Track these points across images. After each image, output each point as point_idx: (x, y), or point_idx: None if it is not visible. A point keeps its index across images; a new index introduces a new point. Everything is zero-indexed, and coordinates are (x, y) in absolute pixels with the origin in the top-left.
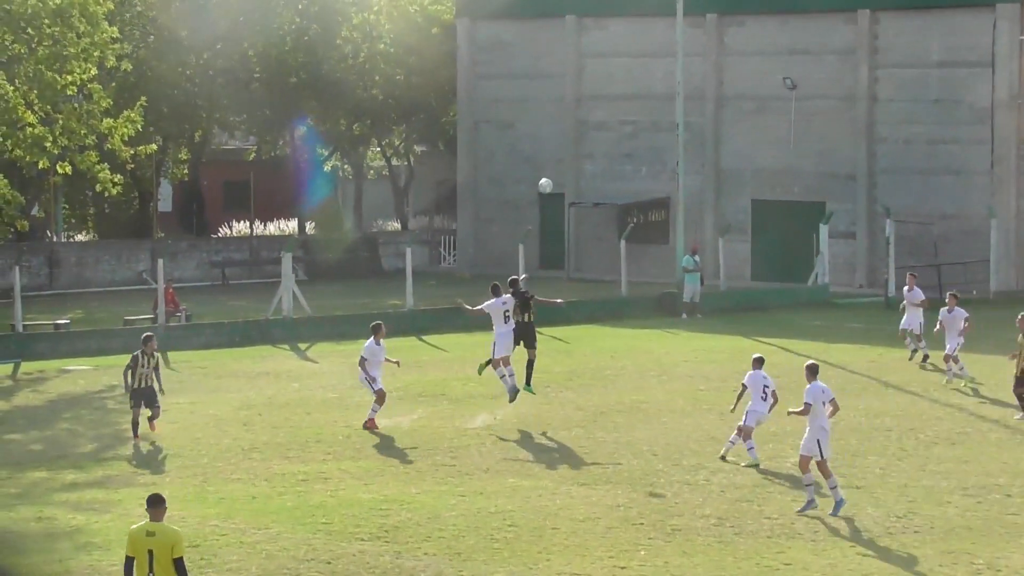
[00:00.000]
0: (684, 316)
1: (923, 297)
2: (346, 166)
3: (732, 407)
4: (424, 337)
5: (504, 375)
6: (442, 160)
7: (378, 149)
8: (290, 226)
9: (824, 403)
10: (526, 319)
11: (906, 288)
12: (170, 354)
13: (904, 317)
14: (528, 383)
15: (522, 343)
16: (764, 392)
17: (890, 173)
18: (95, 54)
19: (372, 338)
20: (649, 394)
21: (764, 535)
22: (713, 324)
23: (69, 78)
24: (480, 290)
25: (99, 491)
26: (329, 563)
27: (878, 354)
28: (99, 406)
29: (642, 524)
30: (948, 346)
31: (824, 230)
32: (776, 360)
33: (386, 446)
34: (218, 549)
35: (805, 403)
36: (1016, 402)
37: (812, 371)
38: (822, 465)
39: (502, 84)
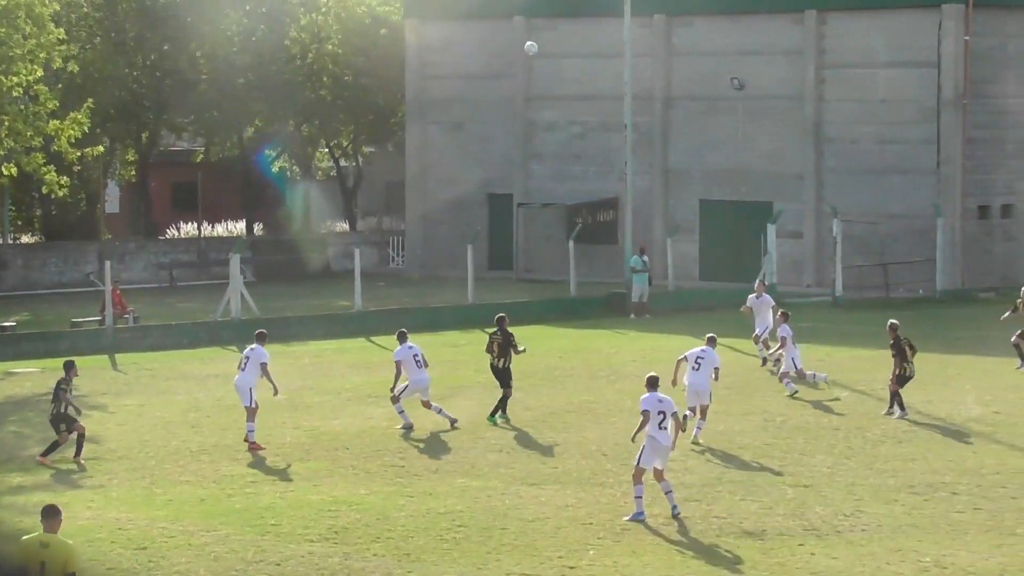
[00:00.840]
0: (632, 316)
1: (773, 303)
2: (294, 167)
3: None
4: (373, 338)
5: (403, 410)
6: (391, 161)
7: (326, 150)
8: (238, 227)
9: (664, 414)
10: (500, 364)
11: (754, 296)
12: (118, 356)
13: (757, 321)
14: (494, 415)
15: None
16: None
17: (837, 173)
18: (41, 55)
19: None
20: (598, 394)
21: (713, 534)
22: (661, 324)
23: (15, 79)
24: (428, 290)
25: (46, 494)
26: (278, 565)
27: (826, 353)
28: (46, 409)
29: (591, 524)
30: (757, 329)
31: (772, 230)
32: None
33: (335, 448)
34: (166, 552)
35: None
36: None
37: (651, 383)
38: (658, 473)
39: (451, 85)
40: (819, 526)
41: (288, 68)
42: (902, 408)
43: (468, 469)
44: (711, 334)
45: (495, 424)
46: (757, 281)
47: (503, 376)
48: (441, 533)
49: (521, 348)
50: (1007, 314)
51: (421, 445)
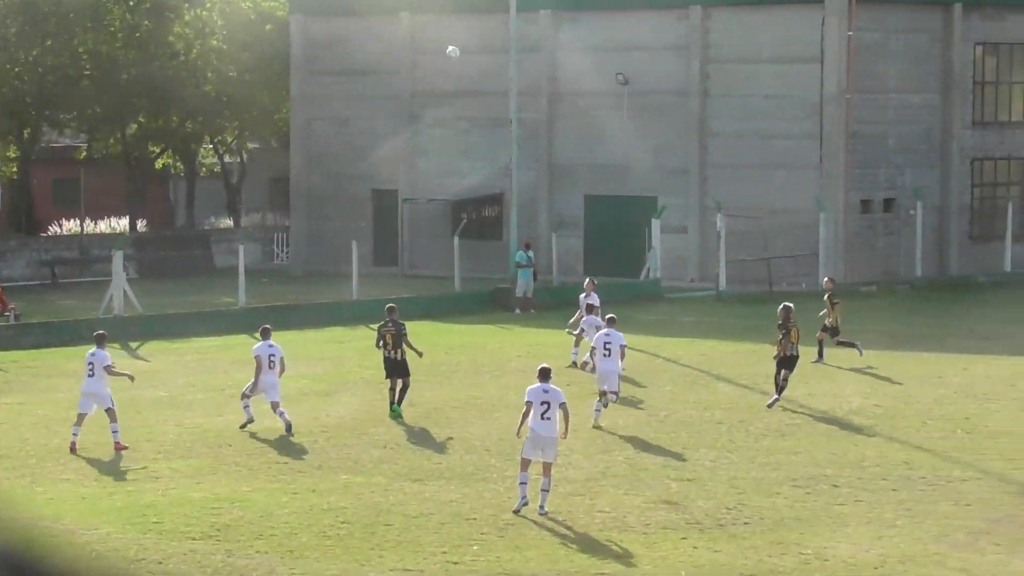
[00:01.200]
0: (517, 311)
1: (598, 304)
2: (178, 163)
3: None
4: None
5: (248, 404)
6: (275, 157)
7: (211, 146)
8: (121, 224)
9: (549, 404)
10: (397, 356)
11: (583, 295)
12: None
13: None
14: (398, 404)
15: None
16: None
17: (722, 168)
18: None
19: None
20: (483, 390)
21: (596, 528)
22: (546, 319)
23: None
24: (313, 287)
25: None
26: (160, 563)
27: (710, 347)
28: None
29: (475, 519)
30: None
31: (656, 225)
32: None
33: (218, 445)
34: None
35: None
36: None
37: (542, 374)
38: (545, 467)
39: (336, 81)
40: (702, 519)
41: (172, 64)
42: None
43: (352, 465)
44: (611, 315)
45: (399, 416)
46: (588, 280)
47: (399, 368)
48: (324, 530)
49: (419, 351)
50: (822, 312)
51: (304, 442)
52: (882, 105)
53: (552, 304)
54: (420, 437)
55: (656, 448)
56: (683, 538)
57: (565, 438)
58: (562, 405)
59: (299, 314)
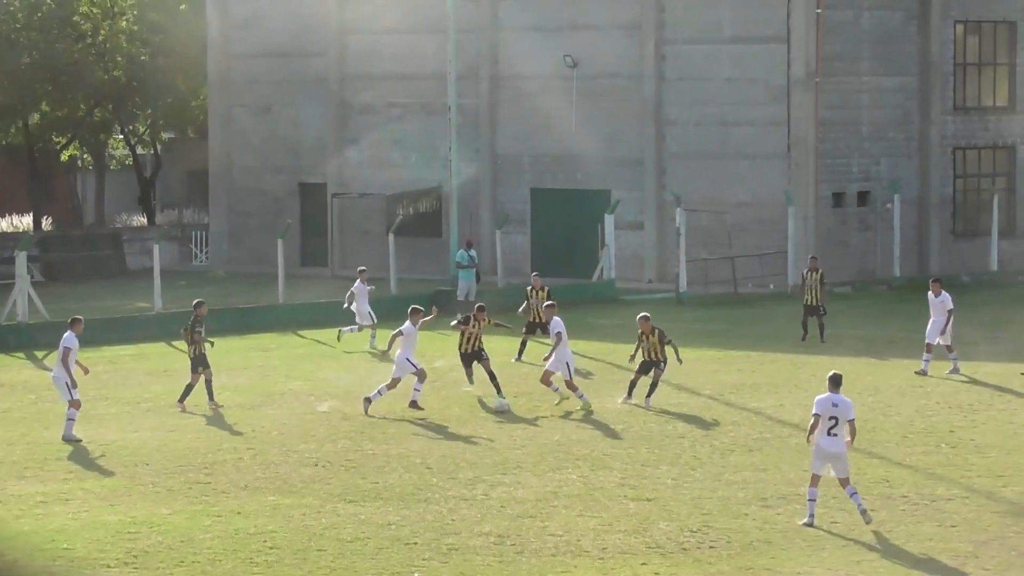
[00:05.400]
0: (459, 316)
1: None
2: (86, 155)
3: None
4: (175, 343)
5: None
6: (193, 148)
7: (121, 136)
8: (25, 222)
9: (833, 419)
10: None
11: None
12: None
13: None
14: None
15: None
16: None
17: (680, 158)
18: None
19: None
20: (422, 401)
21: (548, 553)
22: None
23: None
24: (235, 289)
25: None
26: None
27: (669, 354)
28: None
29: (416, 543)
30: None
31: (610, 220)
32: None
33: (133, 463)
34: None
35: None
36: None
37: (833, 381)
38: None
39: (258, 64)
40: (663, 543)
41: (78, 47)
42: (629, 395)
43: (280, 485)
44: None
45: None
46: (533, 276)
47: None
48: (251, 556)
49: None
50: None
51: (228, 460)
52: (854, 89)
53: (496, 308)
54: (354, 454)
55: (613, 465)
56: (643, 563)
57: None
58: (850, 421)
59: (220, 320)
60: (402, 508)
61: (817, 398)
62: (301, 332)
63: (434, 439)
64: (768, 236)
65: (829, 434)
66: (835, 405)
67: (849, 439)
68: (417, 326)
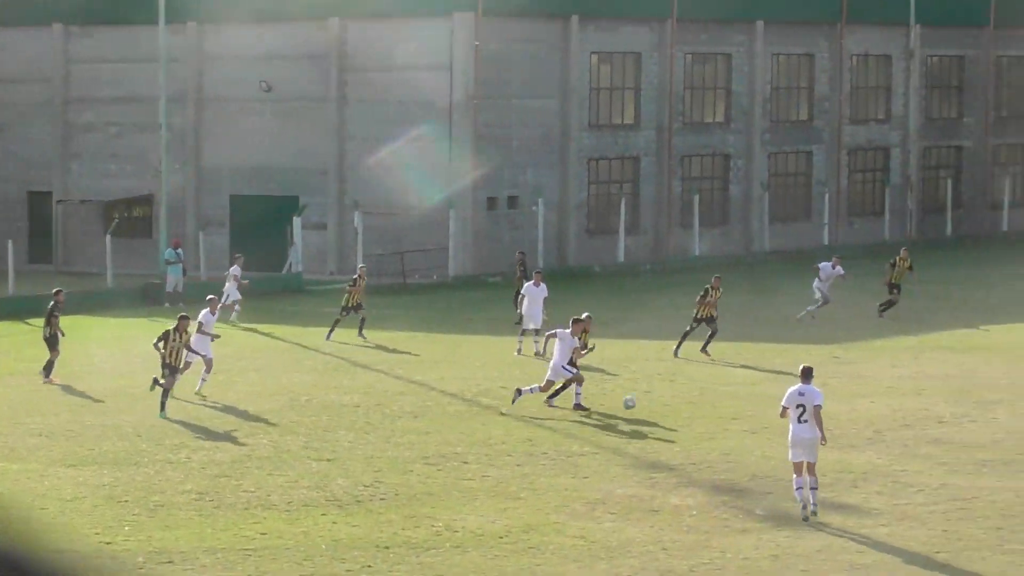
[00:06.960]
0: (167, 305)
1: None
2: None
3: None
4: None
5: None
6: None
7: None
8: None
9: (801, 407)
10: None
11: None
12: None
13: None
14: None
15: None
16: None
17: (359, 169)
18: None
19: None
20: (134, 379)
21: (242, 507)
22: (195, 312)
23: None
24: None
25: None
26: None
27: (350, 336)
28: None
29: (126, 501)
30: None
31: (298, 222)
32: (256, 343)
33: None
34: None
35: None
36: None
37: (804, 374)
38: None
39: None
40: (341, 496)
41: None
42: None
43: (8, 453)
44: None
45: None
46: (358, 267)
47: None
48: None
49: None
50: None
51: None
52: (506, 109)
53: (200, 298)
54: (75, 425)
55: (299, 431)
56: (323, 514)
57: (824, 443)
58: (815, 407)
59: None
60: (115, 471)
61: (788, 390)
62: (30, 320)
63: (144, 413)
64: (433, 234)
65: (799, 421)
66: (801, 394)
67: (820, 429)
68: (574, 335)
